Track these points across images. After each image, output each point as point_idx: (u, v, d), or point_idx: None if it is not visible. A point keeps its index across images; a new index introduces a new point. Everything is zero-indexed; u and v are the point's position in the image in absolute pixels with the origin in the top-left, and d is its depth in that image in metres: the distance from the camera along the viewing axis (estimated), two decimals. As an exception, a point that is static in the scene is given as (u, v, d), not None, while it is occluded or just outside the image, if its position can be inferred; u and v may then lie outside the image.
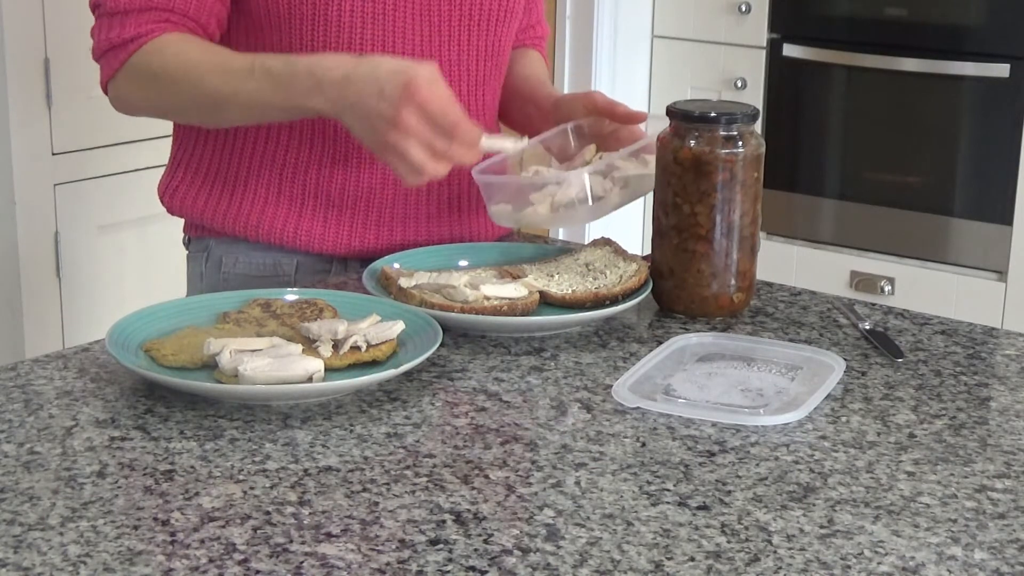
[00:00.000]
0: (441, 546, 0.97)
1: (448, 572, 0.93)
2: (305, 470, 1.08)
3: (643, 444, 1.14)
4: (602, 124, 1.60)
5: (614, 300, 1.43)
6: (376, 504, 1.02)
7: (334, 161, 1.58)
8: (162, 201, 1.67)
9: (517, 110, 1.73)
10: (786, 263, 3.49)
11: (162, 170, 1.70)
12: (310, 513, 1.01)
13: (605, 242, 1.56)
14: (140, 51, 1.50)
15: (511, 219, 1.54)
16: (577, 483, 1.07)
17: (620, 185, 1.52)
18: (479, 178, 1.51)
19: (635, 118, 1.57)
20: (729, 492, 1.06)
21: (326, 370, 1.23)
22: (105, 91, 1.57)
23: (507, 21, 1.62)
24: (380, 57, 1.42)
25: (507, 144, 1.45)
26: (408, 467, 1.09)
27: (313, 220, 1.59)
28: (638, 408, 1.21)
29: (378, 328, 1.29)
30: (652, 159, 1.54)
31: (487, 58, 1.62)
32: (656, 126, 1.52)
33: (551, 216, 1.50)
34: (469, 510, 1.02)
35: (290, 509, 1.01)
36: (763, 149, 1.46)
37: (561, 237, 3.44)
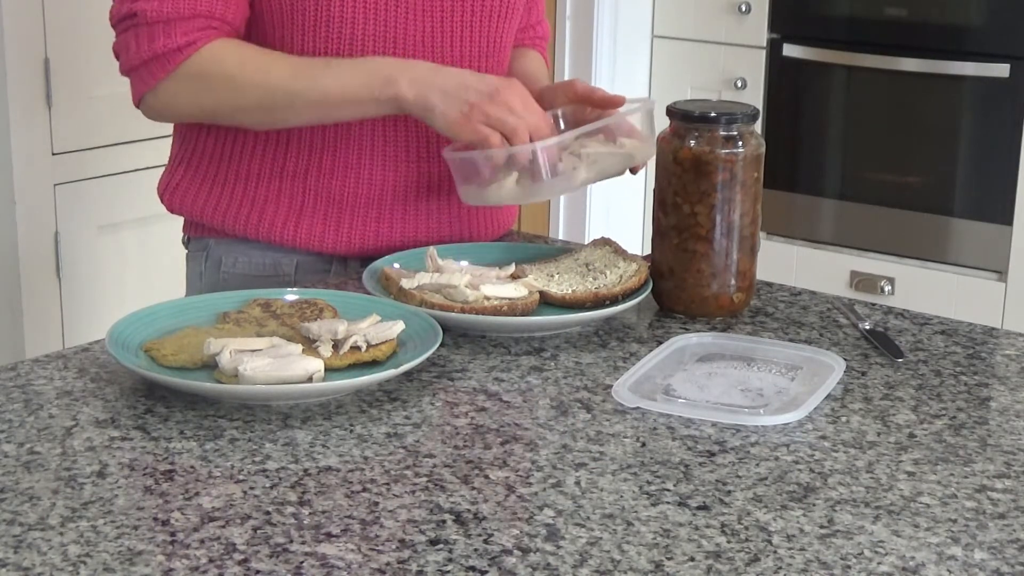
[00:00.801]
0: (441, 546, 0.97)
1: (448, 572, 0.93)
2: (305, 470, 1.08)
3: (643, 444, 1.14)
4: (583, 111, 1.62)
5: (614, 300, 1.43)
6: (376, 504, 1.02)
7: (335, 160, 1.58)
8: (161, 199, 1.67)
9: None
10: (786, 263, 3.49)
11: (162, 170, 1.70)
12: (310, 513, 1.01)
13: (605, 242, 1.56)
14: (193, 57, 1.49)
15: (479, 197, 1.54)
16: (577, 483, 1.07)
17: (588, 162, 1.52)
18: (448, 156, 1.54)
19: (612, 102, 1.58)
20: (729, 492, 1.06)
21: (326, 370, 1.23)
22: (140, 101, 1.55)
23: (508, 18, 1.62)
24: None
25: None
26: (408, 467, 1.09)
27: (313, 219, 1.59)
28: (638, 408, 1.21)
29: (378, 328, 1.29)
30: (628, 141, 1.54)
31: (487, 55, 1.62)
32: (635, 108, 1.55)
33: (515, 192, 1.50)
34: (469, 510, 1.02)
35: (290, 509, 1.01)
36: (763, 149, 1.46)
37: (561, 237, 3.44)
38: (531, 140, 1.45)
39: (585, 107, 1.61)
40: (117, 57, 1.56)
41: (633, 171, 1.57)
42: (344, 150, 1.57)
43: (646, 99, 1.52)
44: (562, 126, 1.61)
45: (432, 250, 1.48)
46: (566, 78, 3.63)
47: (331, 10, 1.51)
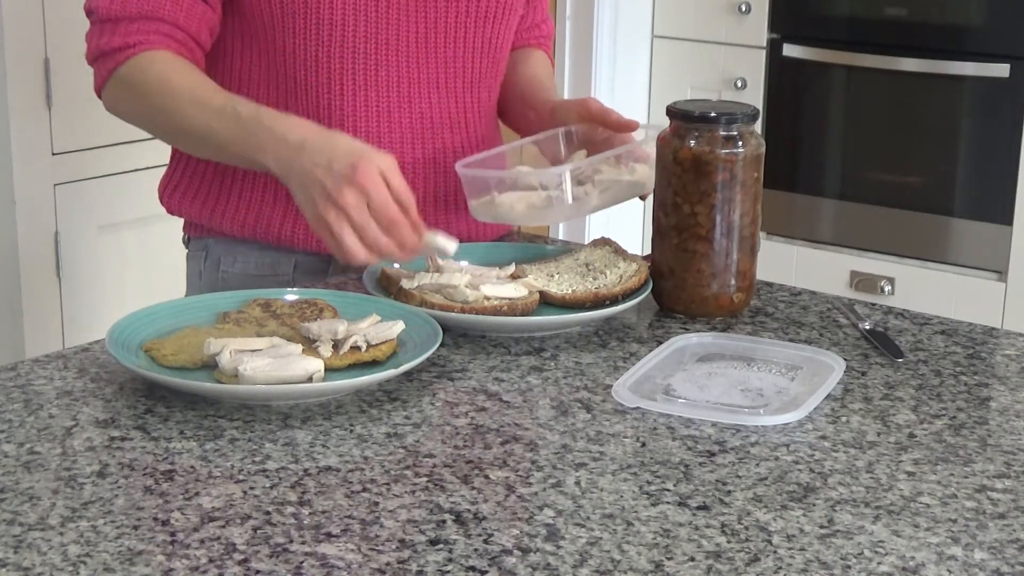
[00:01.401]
0: (441, 546, 0.97)
1: (448, 572, 0.93)
2: (305, 470, 1.08)
3: (643, 444, 1.14)
4: (594, 131, 1.61)
5: (614, 300, 1.43)
6: (376, 504, 1.02)
7: None
8: (161, 201, 1.67)
9: (515, 112, 1.73)
10: (786, 263, 3.49)
11: (162, 170, 1.70)
12: (310, 513, 1.01)
13: (605, 242, 1.56)
14: (129, 62, 1.51)
15: (489, 214, 1.54)
16: (577, 483, 1.07)
17: (601, 189, 1.52)
18: (462, 172, 1.53)
19: (627, 127, 1.57)
20: (729, 492, 1.06)
21: (326, 370, 1.23)
22: (98, 96, 1.58)
23: (505, 18, 1.62)
24: (342, 135, 1.41)
25: (447, 246, 1.40)
26: (408, 467, 1.09)
27: (311, 220, 1.59)
28: (638, 408, 1.21)
29: (378, 328, 1.29)
30: (640, 167, 1.54)
31: (484, 56, 1.62)
32: (650, 135, 1.53)
33: (527, 213, 1.51)
34: (469, 510, 1.02)
35: (290, 509, 1.01)
36: (763, 149, 1.46)
37: (561, 237, 3.44)
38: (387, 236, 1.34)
39: (596, 127, 1.60)
40: None
41: (642, 198, 1.58)
42: None
43: (659, 125, 1.50)
44: (565, 144, 1.62)
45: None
46: (566, 78, 3.66)
47: (320, 13, 1.51)
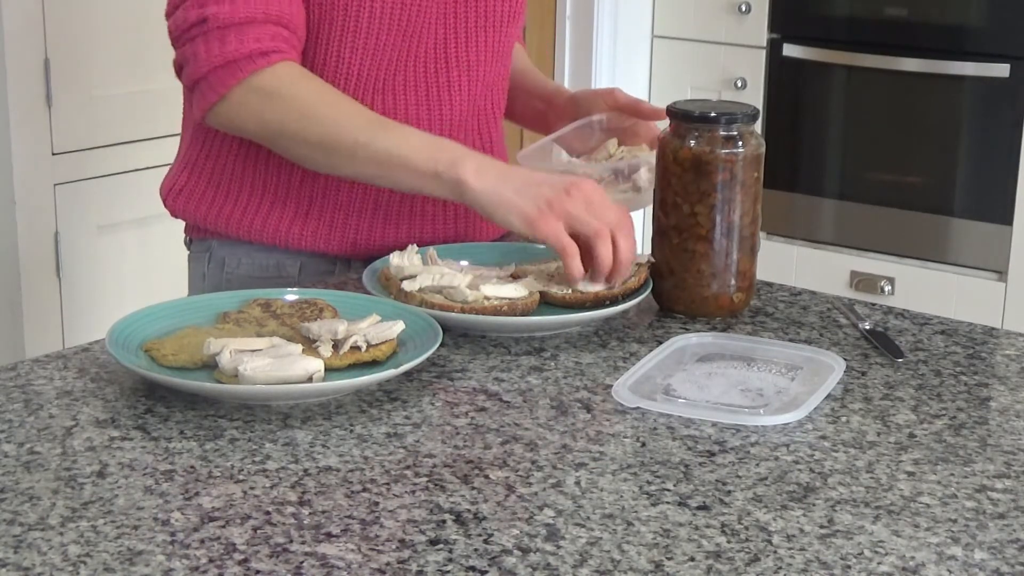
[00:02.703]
0: (441, 546, 0.97)
1: (448, 572, 0.93)
2: (305, 470, 1.08)
3: (643, 444, 1.14)
4: (621, 119, 1.65)
5: (614, 300, 1.43)
6: (376, 504, 1.02)
7: None
8: (165, 203, 1.67)
9: (521, 103, 1.77)
10: (786, 263, 3.49)
11: (162, 170, 1.70)
12: (310, 513, 1.01)
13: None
14: (266, 71, 1.45)
15: None
16: (577, 483, 1.07)
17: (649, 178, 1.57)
18: (524, 164, 1.57)
19: (658, 115, 1.61)
20: (729, 492, 1.06)
21: (326, 370, 1.23)
22: (207, 111, 1.49)
23: (514, 22, 1.64)
24: None
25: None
26: (408, 467, 1.09)
27: (319, 222, 1.59)
28: (638, 408, 1.21)
29: (378, 328, 1.29)
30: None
31: (497, 59, 1.63)
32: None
33: None
34: (469, 510, 1.02)
35: (290, 509, 1.01)
36: (763, 149, 1.46)
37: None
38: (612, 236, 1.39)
39: (622, 116, 1.65)
40: (179, 69, 1.51)
41: None
42: None
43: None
44: (598, 132, 1.68)
45: (432, 250, 1.49)
46: (566, 78, 3.66)
47: (359, 22, 1.51)
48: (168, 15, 1.51)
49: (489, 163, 1.42)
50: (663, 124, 1.61)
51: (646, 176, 1.58)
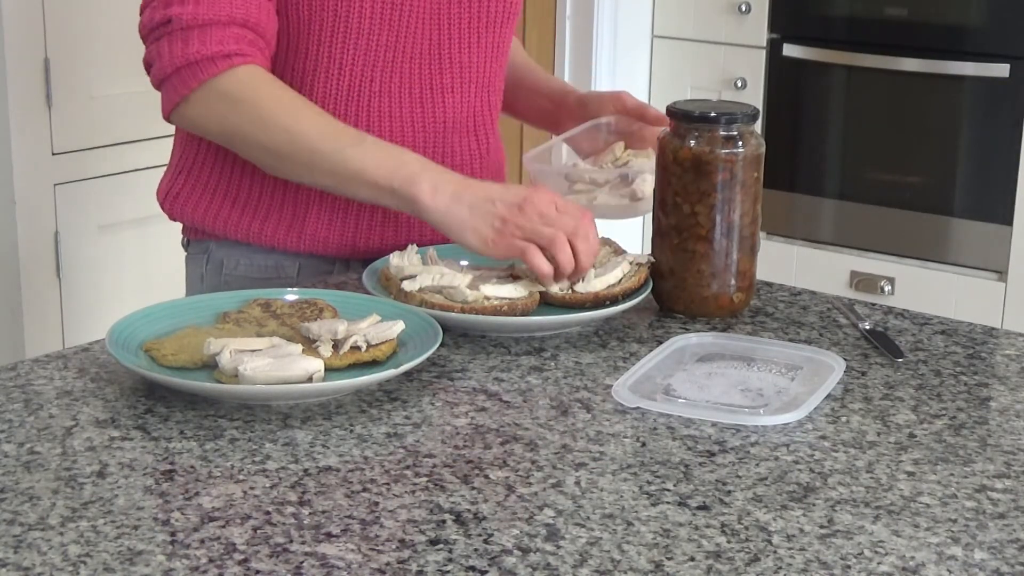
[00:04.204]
0: (441, 546, 0.97)
1: (448, 572, 0.93)
2: (305, 470, 1.08)
3: (643, 444, 1.14)
4: (628, 123, 1.67)
5: (614, 300, 1.43)
6: (376, 504, 1.02)
7: None
8: (162, 207, 1.66)
9: (526, 101, 1.78)
10: (786, 263, 3.49)
11: (162, 170, 1.70)
12: (310, 513, 1.01)
13: (605, 242, 1.56)
14: (228, 74, 1.45)
15: None
16: (577, 483, 1.07)
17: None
18: (534, 168, 1.57)
19: (664, 120, 1.60)
20: (729, 492, 1.06)
21: (326, 370, 1.23)
22: (170, 112, 1.50)
23: (510, 22, 1.64)
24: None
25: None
26: (408, 467, 1.09)
27: (318, 223, 1.59)
28: (638, 408, 1.21)
29: (378, 328, 1.29)
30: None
31: (493, 59, 1.63)
32: None
33: (593, 208, 1.56)
34: (469, 510, 1.02)
35: (290, 509, 1.01)
36: (763, 149, 1.46)
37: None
38: (570, 242, 1.40)
39: (631, 120, 1.67)
40: (148, 69, 1.51)
41: None
42: None
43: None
44: (605, 136, 1.70)
45: (432, 250, 1.49)
46: (566, 78, 3.66)
47: (349, 22, 1.51)
48: (140, 12, 1.52)
49: (445, 181, 1.42)
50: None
51: (646, 185, 1.57)
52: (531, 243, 1.38)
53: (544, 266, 1.39)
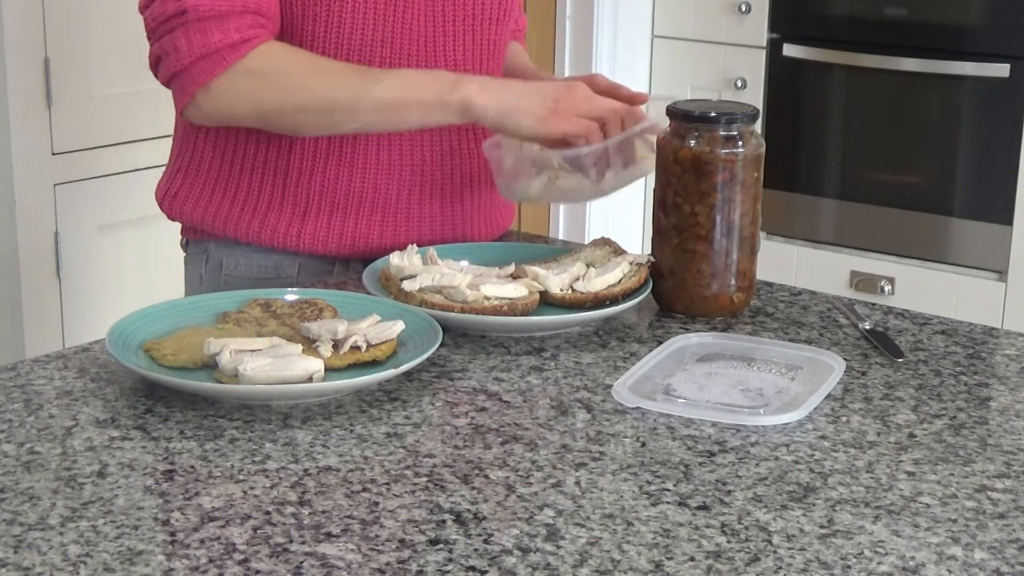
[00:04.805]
0: (441, 546, 0.97)
1: (448, 572, 0.93)
2: (305, 470, 1.08)
3: (643, 444, 1.14)
4: None
5: (614, 300, 1.43)
6: (376, 504, 1.02)
7: (339, 163, 1.57)
8: (161, 207, 1.66)
9: None
10: (786, 263, 3.49)
11: (162, 170, 1.70)
12: (310, 513, 1.01)
13: (605, 242, 1.56)
14: (251, 54, 1.47)
15: (508, 191, 1.59)
16: (577, 483, 1.07)
17: (616, 168, 1.54)
18: (489, 153, 1.57)
19: (637, 99, 1.60)
20: (729, 492, 1.06)
21: (326, 370, 1.23)
22: (189, 102, 1.50)
23: (506, 20, 1.63)
24: None
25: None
26: (408, 467, 1.09)
27: (317, 223, 1.59)
28: (638, 408, 1.21)
29: (378, 328, 1.29)
30: (655, 140, 1.55)
31: (489, 57, 1.63)
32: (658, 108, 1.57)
33: (543, 191, 1.56)
34: (469, 510, 1.02)
35: (290, 509, 1.01)
36: (763, 149, 1.46)
37: (561, 237, 3.44)
38: (604, 132, 1.49)
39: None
40: (158, 62, 1.51)
41: None
42: (350, 152, 1.57)
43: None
44: None
45: (432, 250, 1.49)
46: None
47: (343, 15, 1.51)
48: (143, 8, 1.51)
49: (488, 80, 1.52)
50: (649, 112, 1.61)
51: (642, 146, 1.57)
52: (590, 122, 1.48)
53: (597, 135, 1.48)
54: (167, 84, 1.51)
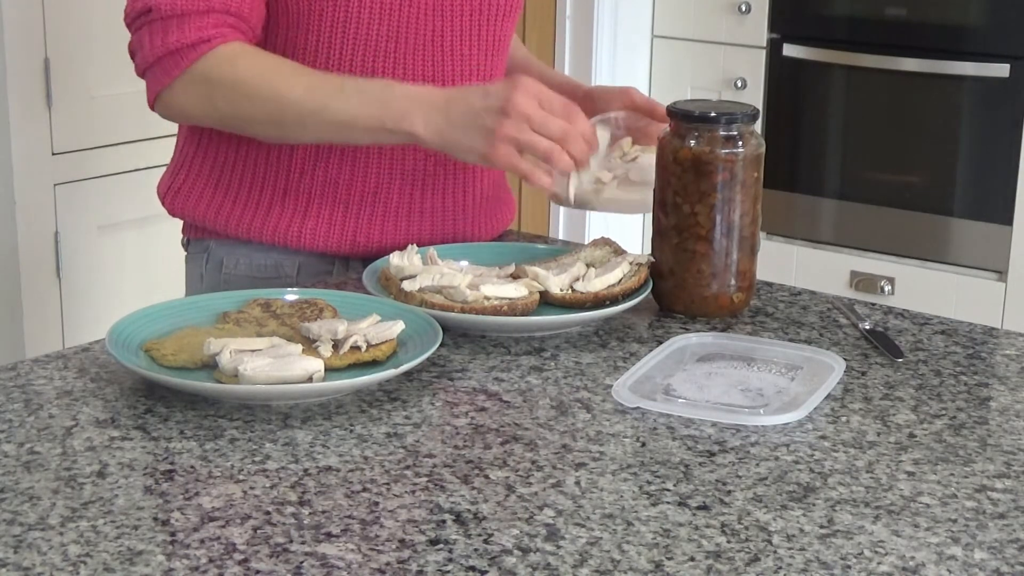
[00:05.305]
0: (441, 546, 0.97)
1: (448, 572, 0.93)
2: (305, 470, 1.08)
3: (643, 444, 1.14)
4: (636, 119, 1.66)
5: (614, 300, 1.43)
6: (376, 504, 1.02)
7: (341, 160, 1.58)
8: (163, 203, 1.67)
9: None
10: (786, 263, 3.49)
11: (162, 170, 1.70)
12: (310, 513, 1.01)
13: (605, 242, 1.56)
14: (206, 57, 1.47)
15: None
16: (577, 483, 1.07)
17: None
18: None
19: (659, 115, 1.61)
20: (729, 492, 1.06)
21: (326, 370, 1.23)
22: (154, 101, 1.52)
23: (512, 15, 1.64)
24: (473, 84, 1.48)
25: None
26: (408, 467, 1.09)
27: (318, 220, 1.59)
28: (638, 408, 1.21)
29: (378, 328, 1.29)
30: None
31: (494, 53, 1.63)
32: None
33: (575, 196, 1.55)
34: (469, 510, 1.02)
35: (290, 509, 1.01)
36: (763, 149, 1.46)
37: (561, 237, 3.44)
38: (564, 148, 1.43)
39: (639, 116, 1.65)
40: (132, 57, 1.53)
41: None
42: (351, 148, 1.57)
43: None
44: (613, 129, 1.67)
45: (432, 250, 1.49)
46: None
47: (348, 11, 1.51)
48: (128, 1, 1.53)
49: (433, 110, 1.44)
50: None
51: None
52: (526, 157, 1.42)
53: (544, 180, 1.43)
54: (142, 78, 1.54)
